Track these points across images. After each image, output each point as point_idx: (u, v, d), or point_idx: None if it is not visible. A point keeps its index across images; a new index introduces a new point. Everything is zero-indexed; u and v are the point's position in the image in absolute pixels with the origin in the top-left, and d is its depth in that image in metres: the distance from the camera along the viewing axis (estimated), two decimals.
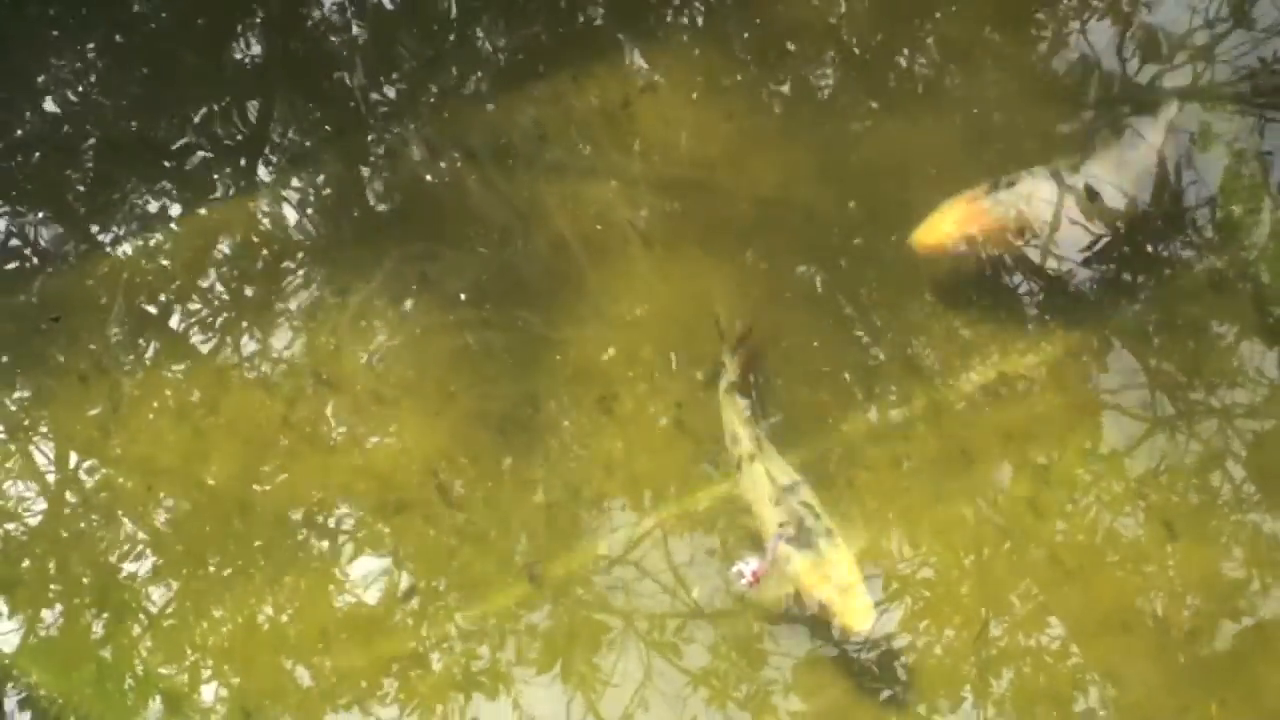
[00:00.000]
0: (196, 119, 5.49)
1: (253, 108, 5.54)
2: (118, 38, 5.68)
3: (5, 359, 5.12)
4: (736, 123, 5.40)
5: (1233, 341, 5.00)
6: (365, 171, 5.42)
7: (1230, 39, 5.49)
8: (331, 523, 4.85)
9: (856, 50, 5.55)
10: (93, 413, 5.02)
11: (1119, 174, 5.05)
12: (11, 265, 5.29)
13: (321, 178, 5.37)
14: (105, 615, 4.77)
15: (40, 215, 5.35)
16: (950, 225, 5.05)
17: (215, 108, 5.52)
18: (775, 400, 4.98)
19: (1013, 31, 5.56)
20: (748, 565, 4.67)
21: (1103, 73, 5.47)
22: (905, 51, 5.53)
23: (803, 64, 5.53)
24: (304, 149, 5.45)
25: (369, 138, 5.46)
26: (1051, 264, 5.05)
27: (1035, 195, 5.05)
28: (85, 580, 4.81)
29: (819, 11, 5.61)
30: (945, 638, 4.64)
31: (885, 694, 4.59)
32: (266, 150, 5.46)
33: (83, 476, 4.95)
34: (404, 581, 4.76)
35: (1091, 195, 5.02)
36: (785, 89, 5.49)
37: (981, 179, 5.23)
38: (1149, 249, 5.15)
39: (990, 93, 5.44)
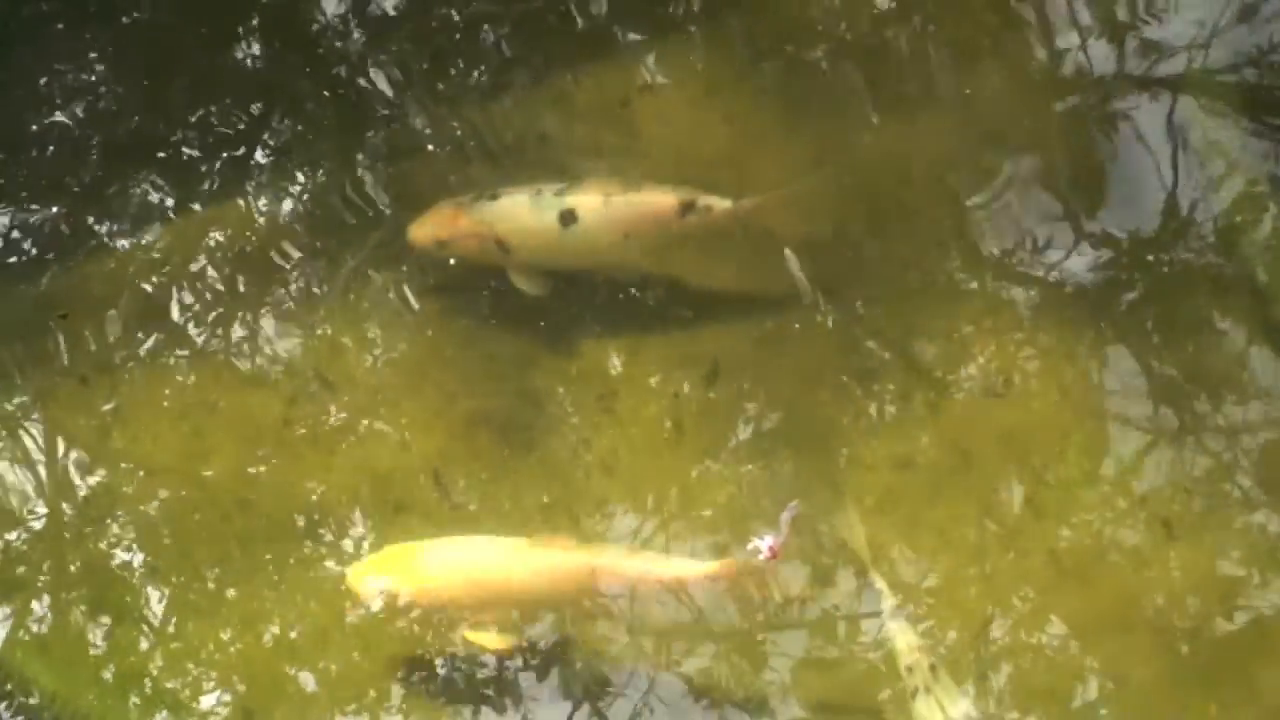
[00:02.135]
0: (197, 118, 5.50)
1: (253, 107, 5.54)
2: (118, 37, 5.69)
3: (12, 357, 5.12)
4: (737, 123, 5.40)
5: (1232, 341, 5.00)
6: (365, 172, 5.41)
7: (1231, 37, 5.49)
8: (332, 523, 4.84)
9: (857, 51, 5.54)
10: (93, 412, 5.02)
11: (606, 207, 5.00)
12: (19, 262, 5.29)
13: (322, 177, 5.37)
14: (104, 615, 4.76)
15: (44, 213, 5.35)
16: (432, 226, 5.09)
17: (216, 107, 5.52)
18: (776, 401, 4.99)
19: (1013, 31, 5.56)
20: (764, 541, 4.68)
21: (1102, 71, 5.48)
22: (906, 51, 5.53)
23: (803, 64, 5.53)
24: (304, 149, 5.45)
25: (369, 138, 5.46)
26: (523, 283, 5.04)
27: (511, 212, 5.03)
28: (83, 581, 4.81)
29: (819, 11, 5.60)
30: (945, 638, 4.64)
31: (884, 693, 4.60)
32: (267, 150, 5.46)
33: (82, 476, 4.95)
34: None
35: (566, 220, 4.99)
36: (786, 89, 5.48)
37: (981, 179, 5.25)
38: (1149, 248, 5.16)
39: (990, 92, 5.44)
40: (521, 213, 5.02)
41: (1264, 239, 5.15)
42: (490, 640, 4.52)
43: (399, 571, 4.55)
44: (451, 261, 5.17)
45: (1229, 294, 5.06)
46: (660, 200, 4.99)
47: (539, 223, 5.00)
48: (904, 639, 4.53)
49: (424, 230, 5.10)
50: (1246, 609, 4.64)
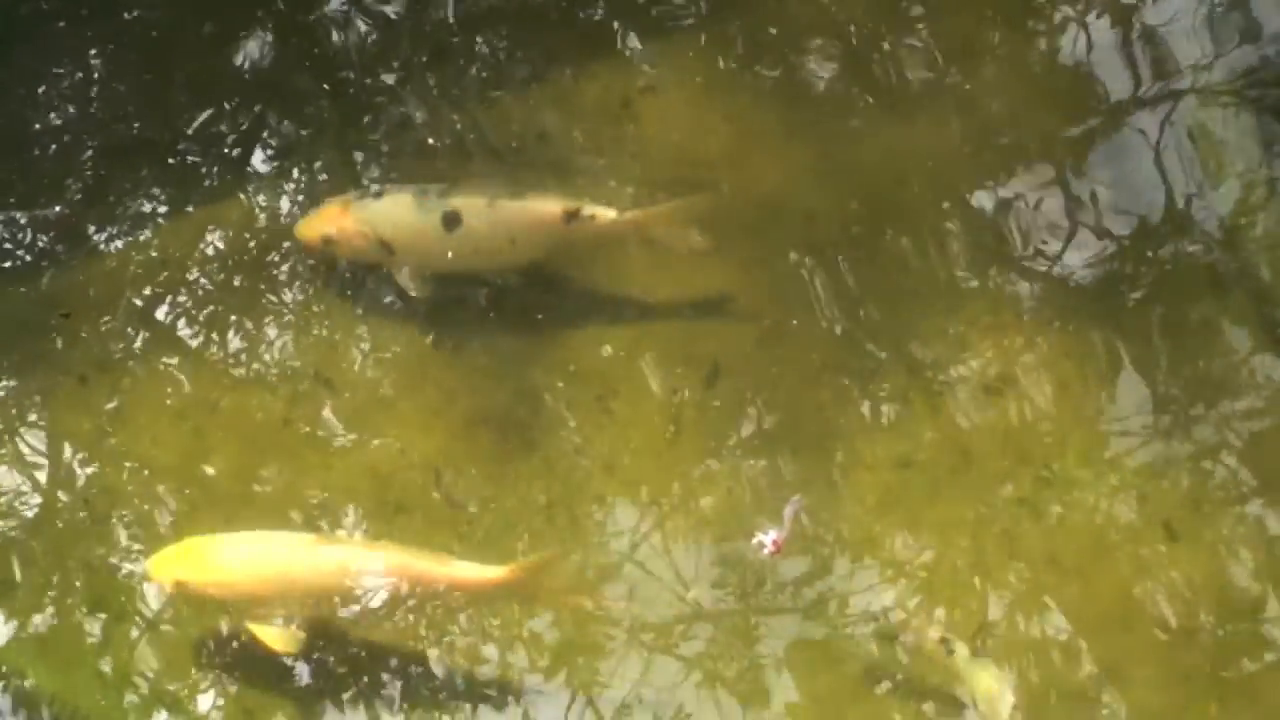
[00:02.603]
0: (197, 118, 5.49)
1: (253, 107, 5.54)
2: (118, 36, 5.68)
3: (12, 357, 5.11)
4: (737, 123, 5.40)
5: (1233, 340, 5.01)
6: (364, 172, 5.41)
7: (1231, 36, 5.49)
8: (332, 523, 4.84)
9: (857, 50, 5.55)
10: (93, 411, 5.01)
11: (491, 211, 4.97)
12: (19, 262, 5.29)
13: (322, 177, 5.36)
14: (104, 616, 4.76)
15: (45, 213, 5.34)
16: (319, 225, 5.06)
17: (216, 106, 5.52)
18: (776, 401, 5.00)
19: (1013, 31, 5.56)
20: (768, 535, 4.69)
21: (1103, 71, 5.49)
22: (906, 52, 5.53)
23: (803, 64, 5.53)
24: (304, 148, 5.44)
25: (369, 138, 5.46)
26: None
27: (393, 213, 5.00)
28: (83, 580, 4.80)
29: (820, 11, 5.61)
30: (944, 638, 4.64)
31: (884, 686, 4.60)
32: (267, 149, 5.45)
33: (82, 476, 4.94)
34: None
35: (450, 223, 4.96)
36: (786, 89, 5.49)
37: (979, 179, 5.26)
38: (1150, 246, 5.16)
39: (990, 92, 5.44)
40: (405, 214, 4.98)
41: (1267, 237, 5.16)
42: (273, 638, 4.51)
43: (193, 564, 4.54)
44: (342, 263, 5.15)
45: (1231, 292, 5.07)
46: (545, 207, 4.95)
47: (423, 225, 4.96)
48: (982, 679, 4.43)
49: (311, 228, 5.06)
50: (1247, 608, 4.65)
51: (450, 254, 4.97)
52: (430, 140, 5.43)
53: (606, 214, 4.94)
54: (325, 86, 5.55)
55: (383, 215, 4.99)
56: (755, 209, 5.26)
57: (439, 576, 4.54)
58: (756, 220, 5.24)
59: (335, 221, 5.02)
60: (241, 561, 4.55)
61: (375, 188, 5.10)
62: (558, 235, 4.96)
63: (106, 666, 4.65)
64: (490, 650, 4.67)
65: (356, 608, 4.56)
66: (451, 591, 4.57)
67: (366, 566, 4.52)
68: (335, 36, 5.63)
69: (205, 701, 4.63)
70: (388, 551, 4.57)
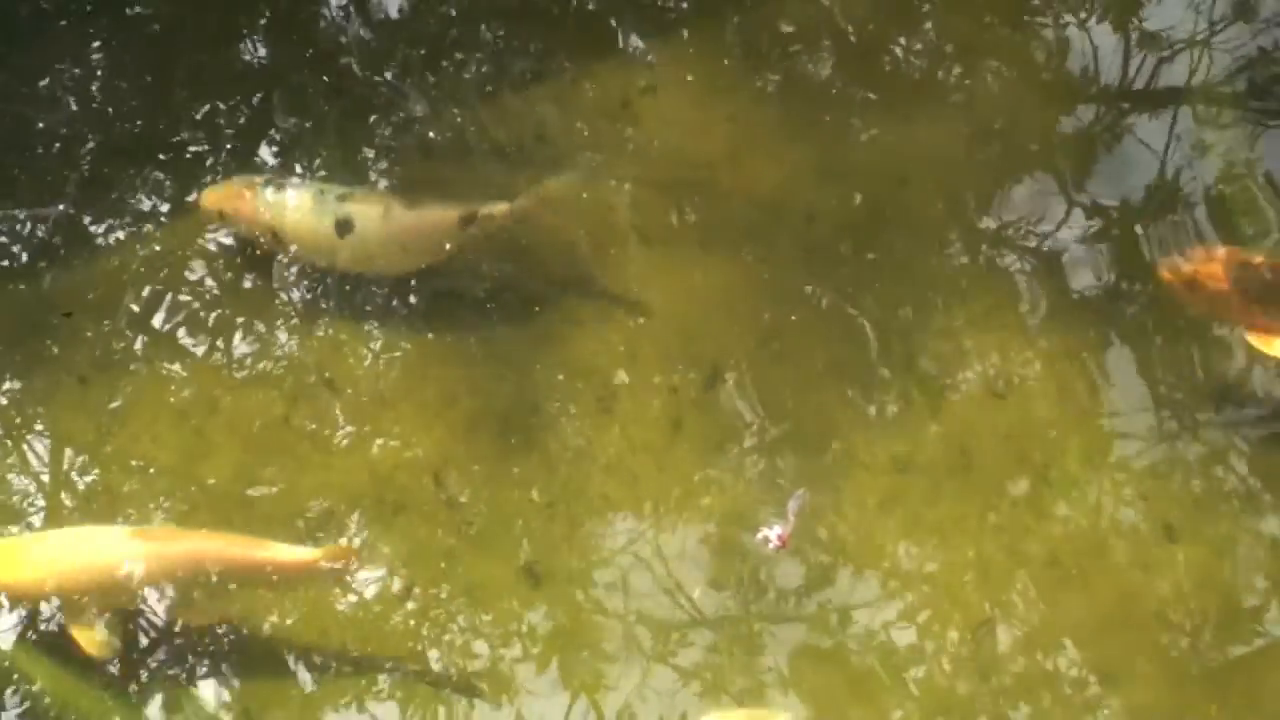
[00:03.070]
0: (200, 115, 5.49)
1: (255, 104, 5.53)
2: (120, 34, 5.68)
3: (15, 356, 5.11)
4: (737, 123, 5.40)
5: (1233, 341, 5.01)
6: (364, 172, 5.41)
7: (1230, 36, 5.50)
8: (332, 523, 4.83)
9: (857, 50, 5.55)
10: (93, 411, 5.01)
11: (385, 221, 5.02)
12: (21, 261, 5.28)
13: (322, 174, 5.36)
14: (104, 618, 4.74)
15: (46, 212, 5.33)
16: (219, 199, 5.12)
17: (218, 103, 5.52)
18: (776, 401, 5.00)
19: (1013, 31, 5.56)
20: (772, 530, 4.70)
21: (1102, 70, 5.49)
22: (906, 52, 5.53)
23: (803, 64, 5.53)
24: (306, 145, 5.44)
25: (369, 138, 5.46)
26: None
27: (290, 208, 5.05)
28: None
29: (820, 11, 5.61)
30: (945, 638, 4.64)
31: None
32: (269, 146, 5.45)
33: (83, 475, 4.94)
34: (403, 582, 4.75)
35: (342, 229, 4.99)
36: (786, 89, 5.49)
37: (980, 179, 5.26)
38: (1149, 246, 5.16)
39: (990, 92, 5.44)
40: (301, 211, 5.03)
41: (1267, 235, 5.16)
42: (89, 641, 4.50)
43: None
44: (232, 238, 5.19)
45: None
46: (441, 215, 5.01)
47: (315, 226, 5.01)
48: None
49: (212, 199, 5.13)
50: (1247, 609, 4.66)
51: (339, 257, 5.04)
52: (431, 134, 5.44)
53: (500, 209, 5.00)
54: (327, 84, 5.55)
55: (279, 207, 5.05)
56: (755, 209, 5.26)
57: (255, 560, 4.54)
58: (756, 220, 5.24)
59: (235, 201, 5.09)
60: (49, 560, 4.51)
61: (280, 179, 5.15)
62: (453, 240, 5.03)
63: (110, 666, 4.64)
64: (489, 650, 4.67)
65: (175, 596, 4.56)
66: (270, 574, 4.56)
67: (181, 556, 4.52)
68: (336, 33, 5.64)
69: (205, 701, 4.62)
70: (202, 539, 4.57)
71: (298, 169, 5.35)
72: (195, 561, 4.51)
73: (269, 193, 5.07)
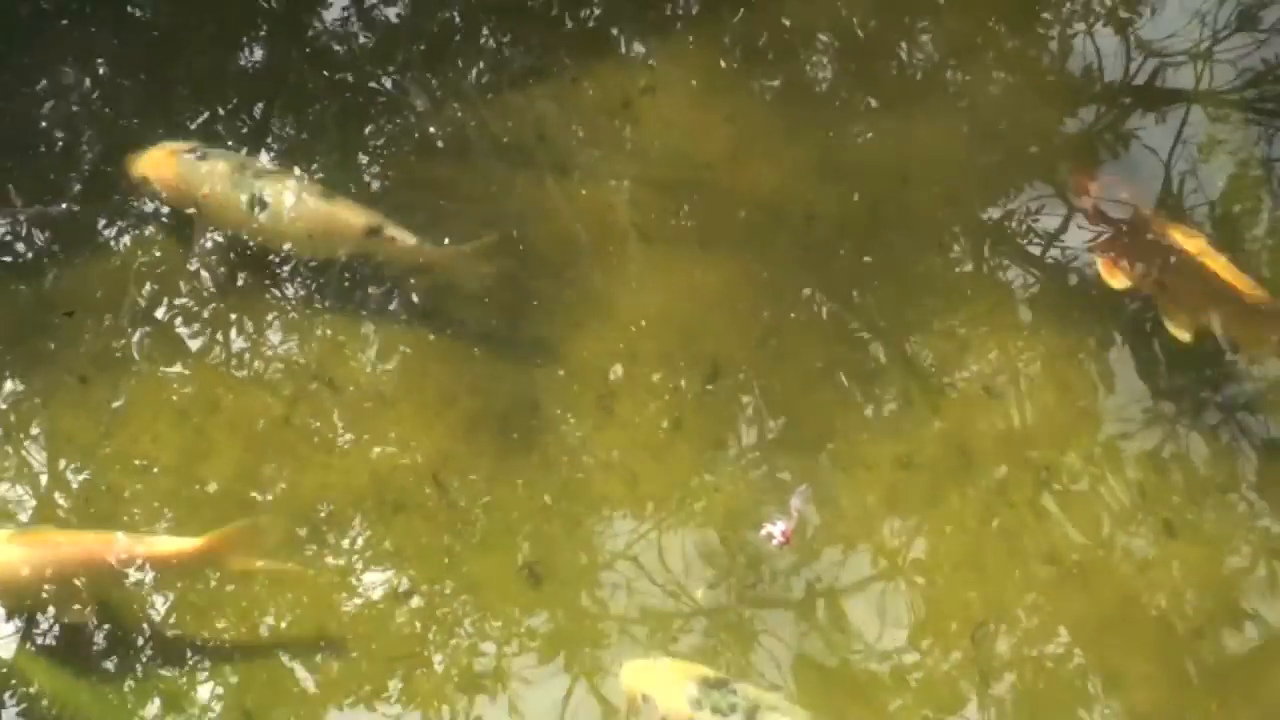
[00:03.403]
0: (199, 116, 5.49)
1: (254, 105, 5.54)
2: (121, 35, 5.68)
3: (16, 355, 5.11)
4: (737, 123, 5.41)
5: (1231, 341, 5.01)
6: (365, 172, 5.41)
7: (1233, 41, 5.50)
8: (332, 523, 4.83)
9: (857, 51, 5.55)
10: (94, 411, 5.01)
11: (297, 207, 5.10)
12: (22, 260, 5.28)
13: (321, 177, 5.36)
14: (106, 617, 4.75)
15: (48, 211, 5.33)
16: (143, 165, 5.21)
17: (218, 105, 5.52)
18: (775, 401, 5.00)
19: (1013, 31, 5.57)
20: (776, 526, 4.71)
21: (1103, 69, 5.50)
22: (906, 52, 5.53)
23: (803, 64, 5.54)
24: (305, 146, 5.44)
25: (369, 138, 5.46)
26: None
27: (209, 179, 5.14)
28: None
29: (821, 12, 5.61)
30: (945, 638, 4.64)
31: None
32: (269, 147, 5.45)
33: (84, 476, 4.94)
34: (403, 582, 4.75)
35: (257, 205, 5.08)
36: (786, 89, 5.49)
37: (980, 179, 5.26)
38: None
39: (991, 93, 5.44)
40: (220, 183, 5.13)
41: (1266, 234, 5.16)
42: None
43: None
44: (157, 201, 5.25)
45: None
46: (348, 218, 5.10)
47: (232, 199, 5.12)
48: None
49: (136, 165, 5.23)
50: (1247, 608, 4.66)
51: (250, 231, 5.13)
52: (431, 135, 5.44)
53: (406, 239, 5.08)
54: (327, 84, 5.55)
55: (200, 177, 5.15)
56: (755, 209, 5.26)
57: (137, 554, 4.56)
58: (756, 220, 5.25)
59: (158, 167, 5.20)
60: None
61: (204, 149, 5.24)
62: (355, 245, 5.11)
63: (106, 666, 4.65)
64: (490, 648, 4.67)
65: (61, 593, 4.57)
66: (154, 566, 4.58)
67: (61, 555, 4.54)
68: (337, 35, 5.64)
69: (205, 702, 4.62)
70: (81, 536, 4.60)
71: (297, 170, 5.36)
72: (78, 560, 4.54)
73: (192, 162, 5.17)
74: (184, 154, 5.19)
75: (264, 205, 5.08)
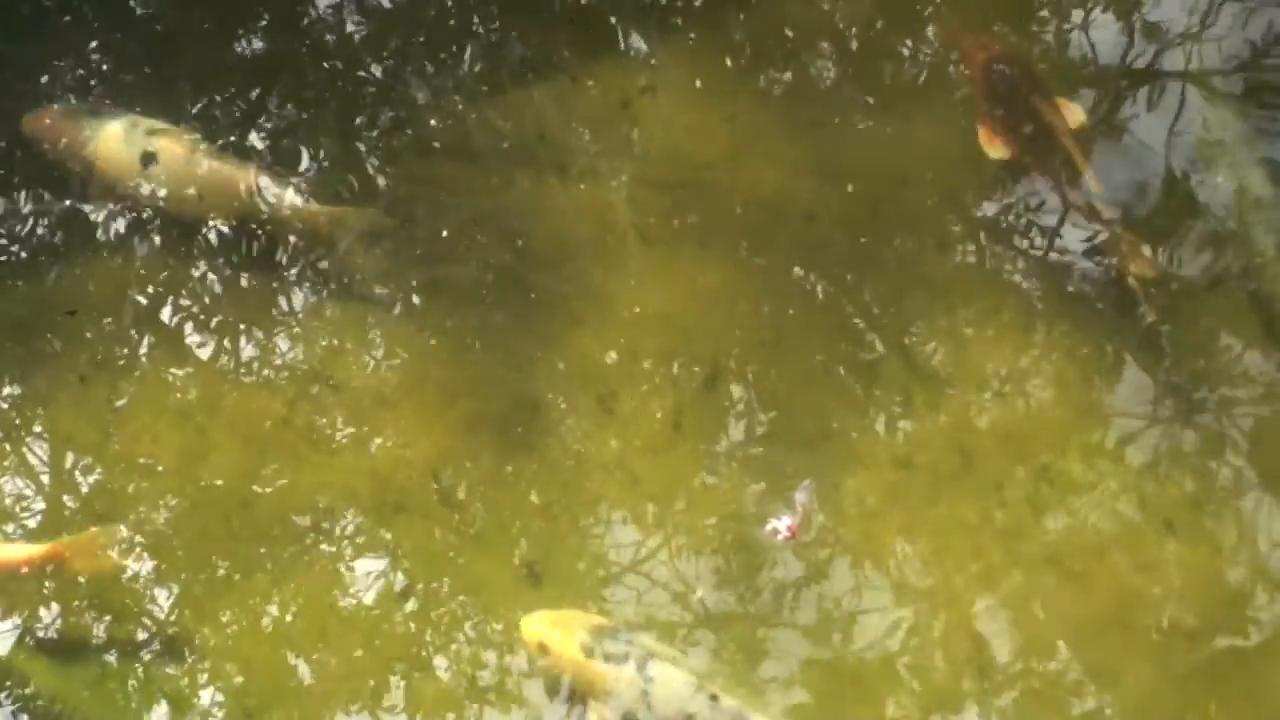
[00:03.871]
0: (199, 112, 5.49)
1: (253, 101, 5.54)
2: (120, 31, 5.68)
3: (14, 355, 5.11)
4: (737, 123, 5.40)
5: (1233, 340, 5.01)
6: (365, 172, 5.41)
7: (1232, 39, 5.50)
8: (332, 523, 4.84)
9: (857, 50, 5.55)
10: (94, 411, 5.01)
11: (188, 163, 5.16)
12: (23, 260, 5.29)
13: (320, 178, 5.36)
14: (105, 615, 4.76)
15: (49, 210, 5.34)
16: (36, 123, 5.30)
17: (217, 100, 5.52)
18: (776, 399, 5.00)
19: (1013, 30, 5.56)
20: (781, 521, 4.71)
21: (1102, 68, 5.49)
22: (906, 52, 5.53)
23: (803, 64, 5.53)
24: (305, 143, 5.44)
25: (369, 138, 5.46)
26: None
27: (99, 134, 5.23)
28: (84, 582, 4.80)
29: (820, 12, 5.61)
30: (945, 637, 4.64)
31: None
32: (269, 145, 5.45)
33: (83, 475, 4.94)
34: (402, 582, 4.76)
35: (146, 161, 5.15)
36: (786, 89, 5.49)
37: (979, 178, 5.26)
38: (1148, 245, 5.16)
39: None
40: (110, 139, 5.20)
41: (1267, 232, 5.15)
42: None
43: None
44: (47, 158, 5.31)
45: (1232, 289, 5.07)
46: (234, 174, 5.16)
47: (121, 155, 5.18)
48: None
49: (28, 122, 5.30)
50: (1247, 608, 4.66)
51: (139, 188, 5.17)
52: (431, 133, 5.45)
53: (292, 198, 5.14)
54: (327, 80, 5.55)
55: (90, 133, 5.22)
56: (755, 209, 5.26)
57: None
58: (756, 220, 5.25)
59: (47, 124, 5.27)
60: None
61: (99, 106, 5.33)
62: (244, 204, 5.15)
63: (110, 668, 4.65)
64: (491, 650, 4.67)
65: None
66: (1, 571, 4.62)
67: None
68: (336, 28, 5.64)
69: (205, 702, 4.63)
70: None
71: (299, 167, 5.36)
72: None
73: (81, 118, 5.24)
74: (75, 109, 5.26)
75: (154, 161, 5.12)
